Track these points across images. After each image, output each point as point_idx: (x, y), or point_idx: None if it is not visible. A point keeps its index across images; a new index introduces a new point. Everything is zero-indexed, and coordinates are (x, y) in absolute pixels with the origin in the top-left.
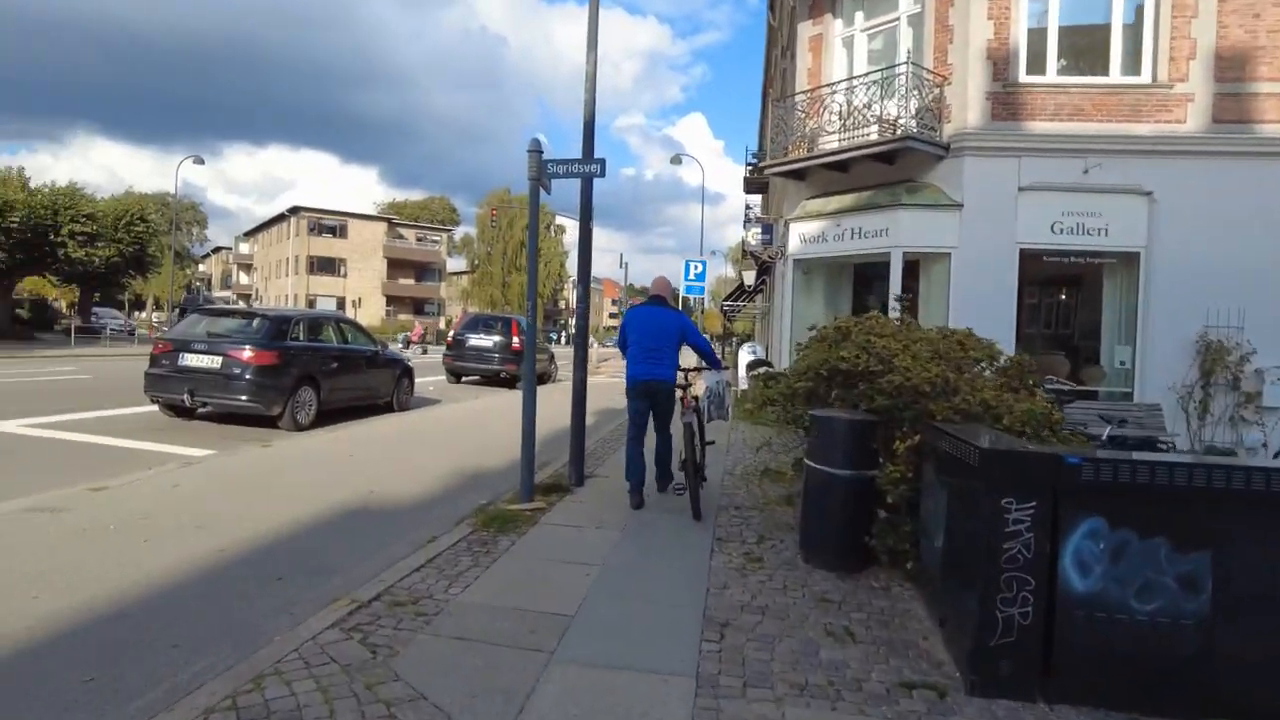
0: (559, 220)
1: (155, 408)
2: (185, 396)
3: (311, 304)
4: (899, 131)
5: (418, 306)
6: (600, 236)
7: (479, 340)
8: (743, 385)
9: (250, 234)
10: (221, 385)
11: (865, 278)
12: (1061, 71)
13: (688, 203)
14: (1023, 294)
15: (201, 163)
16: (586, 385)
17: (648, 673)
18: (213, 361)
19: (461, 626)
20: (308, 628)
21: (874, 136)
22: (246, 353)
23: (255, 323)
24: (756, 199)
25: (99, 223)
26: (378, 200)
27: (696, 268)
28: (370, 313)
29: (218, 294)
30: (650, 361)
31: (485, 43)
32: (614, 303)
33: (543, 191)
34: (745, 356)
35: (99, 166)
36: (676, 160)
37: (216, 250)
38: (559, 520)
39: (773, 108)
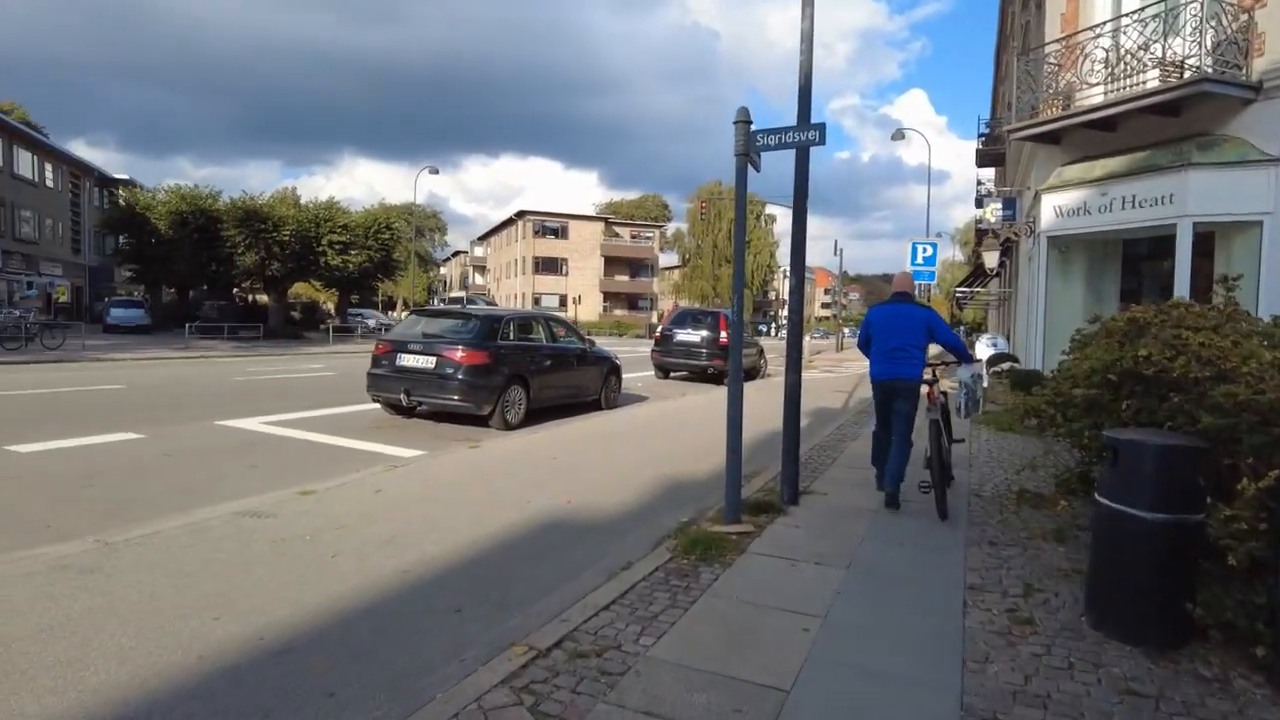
0: (769, 209)
1: (378, 406)
2: (402, 396)
3: (537, 302)
4: (1188, 74)
5: (632, 302)
6: (812, 224)
7: (686, 335)
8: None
9: (483, 238)
10: (435, 385)
11: (1135, 256)
12: None
13: (907, 184)
14: None
15: (436, 172)
16: (801, 387)
17: None
18: (427, 362)
19: (650, 695)
20: (475, 683)
21: (1153, 84)
22: (459, 353)
23: (468, 323)
24: (989, 174)
25: (352, 232)
26: (596, 201)
27: (925, 250)
28: (589, 309)
29: (455, 294)
30: (894, 360)
31: (698, 38)
32: (826, 292)
33: (751, 172)
34: (985, 349)
35: (360, 183)
36: (899, 135)
37: (455, 254)
38: (769, 549)
39: (1015, 64)
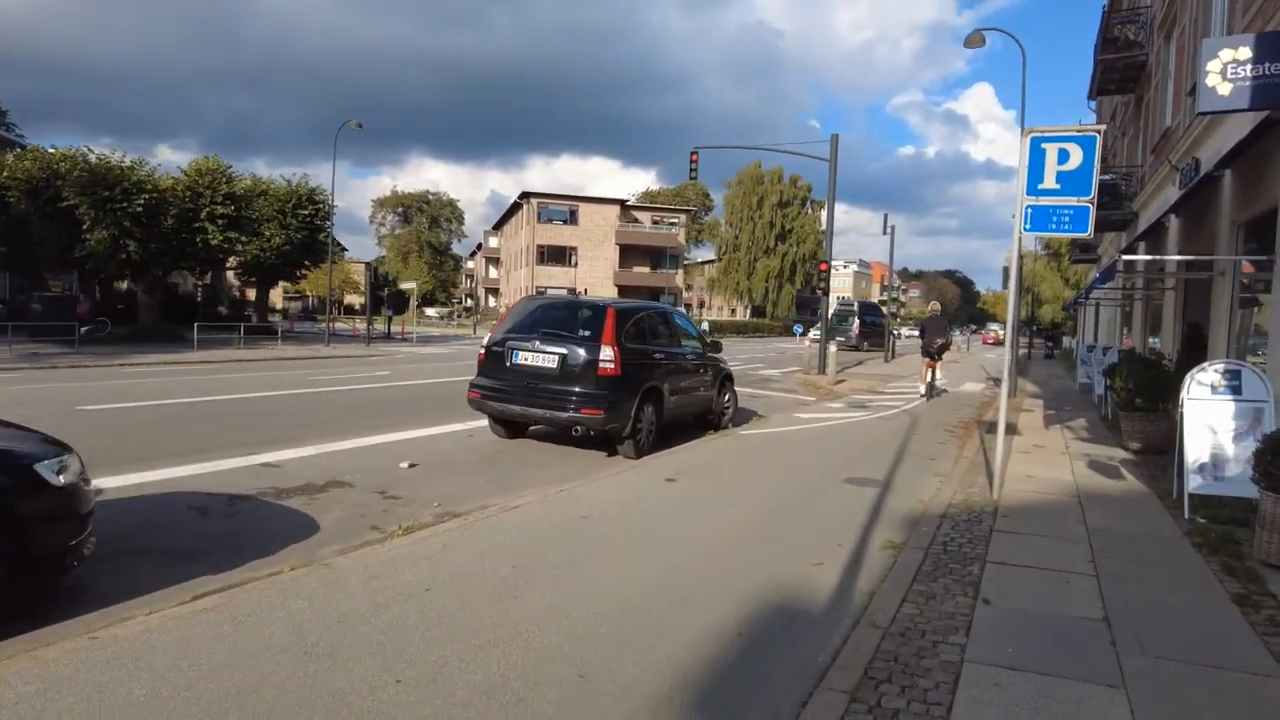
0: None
1: None
2: None
3: (541, 294)
4: None
5: (653, 296)
6: (869, 217)
7: (533, 356)
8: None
9: (497, 227)
10: None
11: None
12: None
13: (974, 179)
14: None
15: (360, 128)
16: None
17: None
18: None
19: None
20: None
21: None
22: None
23: None
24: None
25: (242, 203)
26: (635, 191)
27: (1070, 152)
28: None
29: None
30: None
31: (763, 37)
32: (883, 289)
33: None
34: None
35: (427, 182)
36: (978, 40)
37: (480, 246)
38: None
39: None
